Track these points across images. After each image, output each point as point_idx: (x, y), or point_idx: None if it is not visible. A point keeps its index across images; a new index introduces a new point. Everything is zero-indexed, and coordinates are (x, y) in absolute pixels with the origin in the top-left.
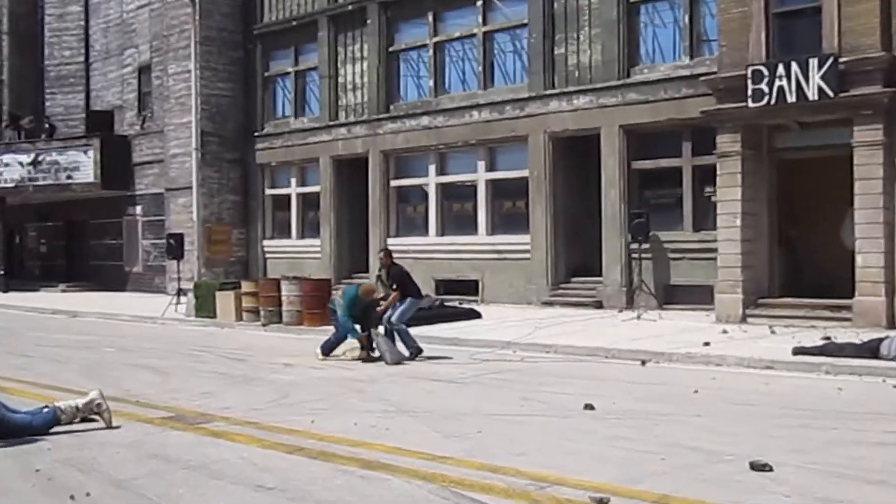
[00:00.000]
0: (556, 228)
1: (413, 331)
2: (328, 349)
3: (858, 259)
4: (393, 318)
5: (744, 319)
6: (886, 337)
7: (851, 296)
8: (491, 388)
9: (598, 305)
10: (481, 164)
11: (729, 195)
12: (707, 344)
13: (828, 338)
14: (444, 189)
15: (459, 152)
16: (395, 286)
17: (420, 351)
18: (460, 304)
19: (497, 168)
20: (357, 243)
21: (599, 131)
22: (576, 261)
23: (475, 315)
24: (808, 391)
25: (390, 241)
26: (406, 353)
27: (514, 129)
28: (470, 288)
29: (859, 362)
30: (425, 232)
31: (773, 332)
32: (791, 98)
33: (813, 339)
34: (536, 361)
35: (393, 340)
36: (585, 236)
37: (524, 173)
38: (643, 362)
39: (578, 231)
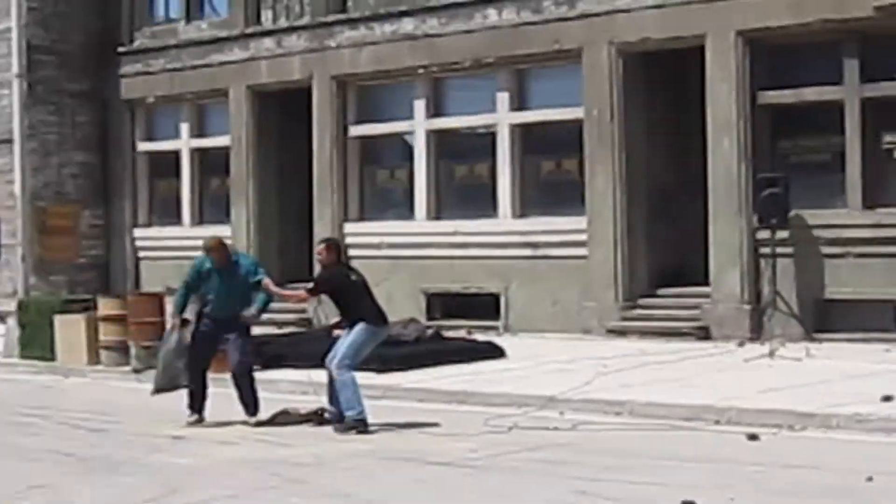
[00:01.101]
0: (632, 206)
1: (381, 380)
2: None
3: None
4: (336, 358)
5: None
6: None
7: None
8: (522, 476)
9: (704, 335)
10: (503, 99)
11: None
12: (889, 398)
13: None
14: (440, 140)
15: (467, 79)
16: (315, 287)
17: (362, 424)
18: (470, 334)
19: (530, 105)
20: (294, 232)
21: (704, 41)
22: (665, 261)
23: (496, 353)
24: None
25: (350, 227)
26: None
27: (558, 40)
28: (486, 308)
29: None
30: (409, 213)
31: None
32: None
33: None
34: (598, 430)
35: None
36: (681, 219)
37: (576, 113)
38: (777, 429)
39: (669, 210)
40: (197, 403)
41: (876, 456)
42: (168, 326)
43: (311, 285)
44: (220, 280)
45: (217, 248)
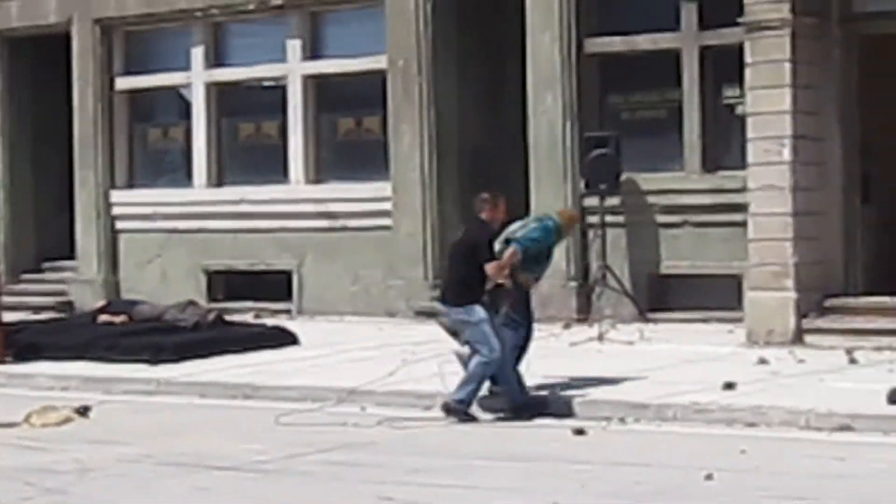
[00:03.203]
0: (442, 171)
1: (154, 372)
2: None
3: None
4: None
5: (799, 338)
6: None
7: None
8: (318, 481)
9: None
10: (294, 47)
11: (768, 104)
12: (731, 386)
13: None
14: (221, 95)
15: (252, 24)
16: None
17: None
18: (257, 318)
19: (325, 53)
20: (50, 202)
21: None
22: None
23: (287, 340)
24: None
25: (117, 195)
26: None
27: None
28: (276, 287)
29: None
30: (186, 179)
31: (853, 360)
32: None
33: None
34: (405, 426)
35: None
36: (498, 185)
37: (378, 63)
38: (606, 422)
39: (485, 175)
40: None
41: (716, 450)
42: None
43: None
44: None
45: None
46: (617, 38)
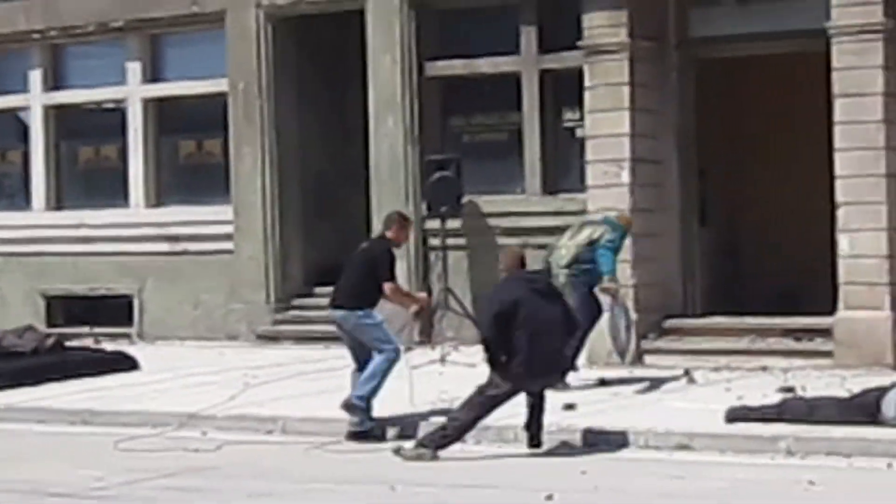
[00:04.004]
0: (284, 194)
1: None
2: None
3: (842, 241)
4: None
5: (639, 358)
6: (892, 386)
7: (831, 311)
8: None
9: None
10: (134, 69)
11: (607, 126)
12: (571, 407)
13: (790, 388)
14: (60, 117)
15: (92, 45)
16: None
17: None
18: (98, 342)
19: (166, 76)
20: None
21: (365, 5)
22: (323, 256)
23: (127, 364)
24: (756, 490)
25: None
26: None
27: (197, 1)
28: (117, 312)
29: (846, 431)
30: (24, 202)
31: (691, 379)
32: None
33: (764, 391)
34: (246, 450)
35: None
36: (341, 208)
37: (219, 86)
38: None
39: (327, 198)
40: None
41: (556, 471)
42: None
43: None
44: None
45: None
46: (458, 62)
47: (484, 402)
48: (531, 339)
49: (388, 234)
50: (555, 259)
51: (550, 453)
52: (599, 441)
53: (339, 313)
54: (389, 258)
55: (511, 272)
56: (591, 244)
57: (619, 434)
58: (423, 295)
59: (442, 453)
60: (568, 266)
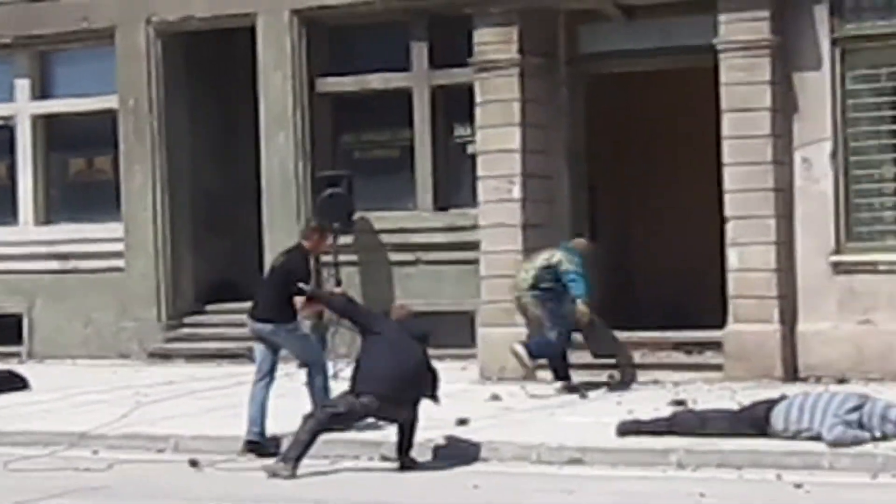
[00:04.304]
0: (175, 211)
1: None
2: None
3: (731, 256)
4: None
5: (533, 373)
6: (781, 398)
7: (721, 325)
8: None
9: None
10: (23, 86)
11: (498, 142)
12: (464, 422)
13: (681, 402)
14: None
15: None
16: None
17: None
18: None
19: (55, 93)
20: None
21: (255, 21)
22: (215, 273)
23: (17, 384)
24: (653, 500)
25: None
26: None
27: (87, 17)
28: (6, 331)
29: (736, 444)
30: None
31: (582, 395)
32: None
33: (655, 404)
34: (137, 470)
35: None
36: (232, 225)
37: (109, 103)
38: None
39: (218, 215)
40: None
41: (449, 486)
42: None
43: None
44: None
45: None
46: (349, 78)
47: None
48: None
49: (306, 243)
50: (517, 285)
51: (441, 468)
52: (491, 456)
53: (267, 327)
54: (305, 267)
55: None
56: (549, 268)
57: (512, 449)
58: (336, 290)
59: (337, 467)
60: (531, 288)
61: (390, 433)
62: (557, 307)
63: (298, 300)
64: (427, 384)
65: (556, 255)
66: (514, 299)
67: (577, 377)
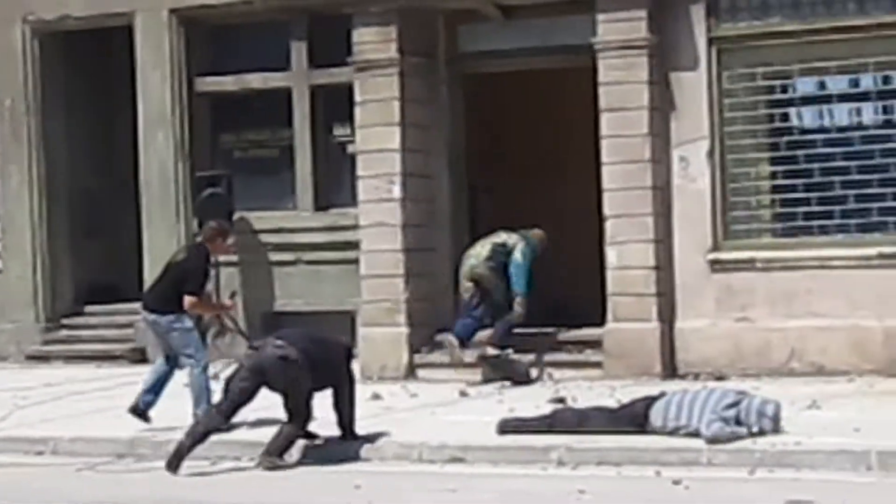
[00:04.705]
0: (53, 212)
1: None
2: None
3: (610, 254)
4: None
5: (412, 373)
6: (660, 395)
7: (601, 322)
8: None
9: (140, 357)
10: None
11: (378, 142)
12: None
13: (561, 399)
14: None
15: None
16: None
17: None
18: None
19: None
20: None
21: (133, 20)
22: (95, 274)
23: None
24: (528, 500)
25: None
26: None
27: None
28: None
29: (615, 441)
30: None
31: (464, 393)
32: None
33: (536, 402)
34: (16, 472)
35: None
36: (111, 225)
37: None
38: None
39: (97, 216)
40: None
41: (331, 487)
42: None
43: None
44: None
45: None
46: (228, 77)
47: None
48: None
49: (208, 245)
50: (473, 259)
51: (324, 468)
52: (373, 456)
53: (151, 316)
54: (204, 266)
55: None
56: (503, 246)
57: (393, 448)
58: (227, 302)
59: (218, 468)
60: (488, 259)
61: (269, 433)
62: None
63: (188, 300)
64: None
65: (513, 238)
66: (466, 273)
67: (458, 376)
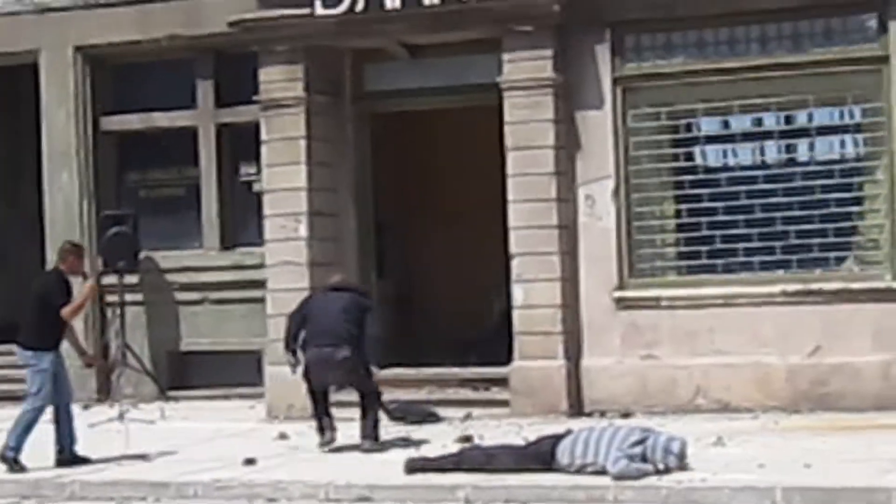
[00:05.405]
0: None
1: None
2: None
3: (517, 292)
4: None
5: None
6: (566, 433)
7: (508, 361)
8: None
9: None
10: None
11: (285, 180)
12: (251, 462)
13: (468, 437)
14: None
15: None
16: None
17: None
18: None
19: None
20: None
21: (38, 57)
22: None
23: None
24: None
25: None
26: None
27: None
28: None
29: (522, 479)
30: None
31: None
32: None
33: (443, 441)
34: None
35: None
36: (15, 263)
37: None
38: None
39: (2, 253)
40: None
41: None
42: None
43: None
44: None
45: None
46: (134, 116)
47: None
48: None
49: (62, 266)
50: None
51: None
52: (280, 496)
53: (18, 351)
54: (63, 287)
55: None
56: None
57: (300, 488)
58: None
59: None
60: None
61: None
62: None
63: (64, 311)
64: None
65: None
66: None
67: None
